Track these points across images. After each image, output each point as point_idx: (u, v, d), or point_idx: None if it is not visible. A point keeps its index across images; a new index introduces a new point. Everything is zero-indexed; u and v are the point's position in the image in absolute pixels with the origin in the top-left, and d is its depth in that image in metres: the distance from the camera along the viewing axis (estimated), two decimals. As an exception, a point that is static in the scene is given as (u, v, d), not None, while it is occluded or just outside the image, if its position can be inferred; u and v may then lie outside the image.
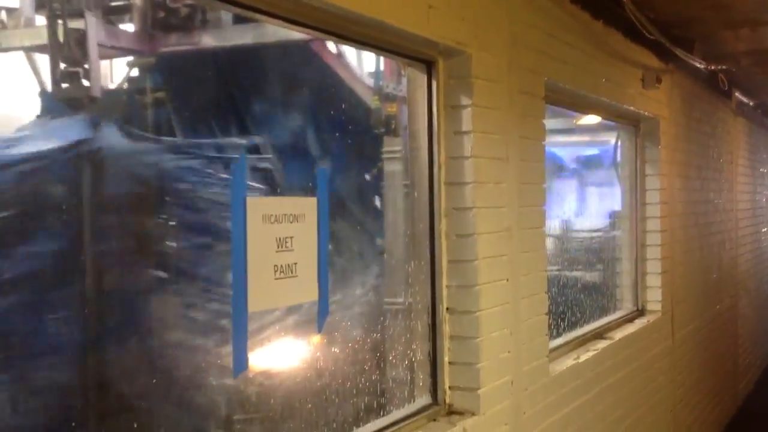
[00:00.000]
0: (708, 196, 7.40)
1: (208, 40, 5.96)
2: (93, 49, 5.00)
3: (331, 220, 2.58)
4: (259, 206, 2.23)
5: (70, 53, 4.95)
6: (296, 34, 4.84)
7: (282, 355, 4.75)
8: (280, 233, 2.33)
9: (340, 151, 5.87)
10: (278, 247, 2.33)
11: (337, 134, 5.88)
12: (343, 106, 5.81)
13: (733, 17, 5.38)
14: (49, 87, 5.27)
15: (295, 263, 2.39)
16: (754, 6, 5.06)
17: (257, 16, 2.50)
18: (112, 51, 5.94)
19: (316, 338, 4.97)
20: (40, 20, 6.05)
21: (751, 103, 8.72)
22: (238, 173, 2.17)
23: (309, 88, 5.99)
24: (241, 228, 2.17)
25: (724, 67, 6.11)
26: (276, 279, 2.32)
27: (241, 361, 2.16)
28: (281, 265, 2.34)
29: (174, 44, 6.00)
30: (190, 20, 5.90)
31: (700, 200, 7.09)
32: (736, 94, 7.97)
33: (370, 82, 5.73)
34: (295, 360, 4.79)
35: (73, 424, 4.64)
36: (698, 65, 5.63)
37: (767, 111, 9.99)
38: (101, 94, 5.25)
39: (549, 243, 4.32)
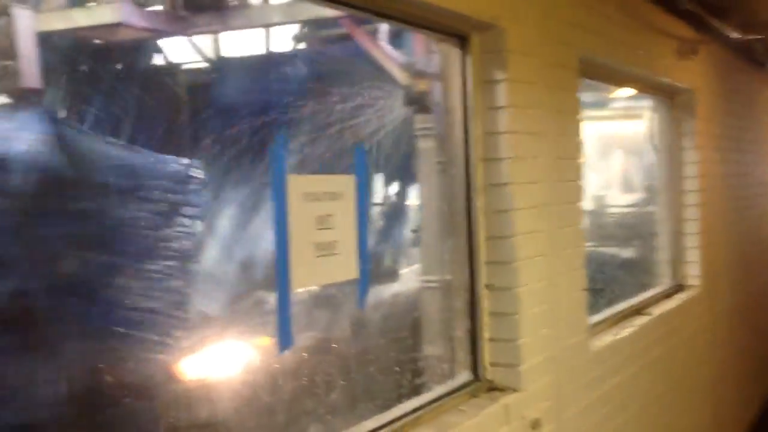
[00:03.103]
0: (744, 168, 7.30)
1: (238, 21, 5.97)
2: (25, 42, 4.99)
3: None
4: (299, 184, 2.23)
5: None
6: (328, 12, 4.83)
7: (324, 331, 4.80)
8: (320, 211, 2.34)
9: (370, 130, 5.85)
10: (318, 225, 2.33)
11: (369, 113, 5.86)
12: (374, 83, 5.79)
13: (769, -15, 5.28)
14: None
15: (336, 241, 2.40)
16: (792, -28, 4.96)
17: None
18: (142, 32, 5.97)
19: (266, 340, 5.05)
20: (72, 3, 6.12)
21: (788, 74, 8.54)
22: (278, 151, 2.17)
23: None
24: (282, 206, 2.17)
25: (760, 36, 5.99)
26: (317, 257, 2.33)
27: (286, 338, 2.17)
28: (322, 243, 2.34)
29: (204, 25, 6.02)
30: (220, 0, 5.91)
31: (737, 173, 6.98)
32: (772, 64, 7.82)
33: (401, 58, 5.69)
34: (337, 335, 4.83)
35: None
36: (734, 35, 5.52)
37: (804, 81, 9.77)
38: (40, 86, 5.17)
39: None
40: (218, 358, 5.06)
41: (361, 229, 2.51)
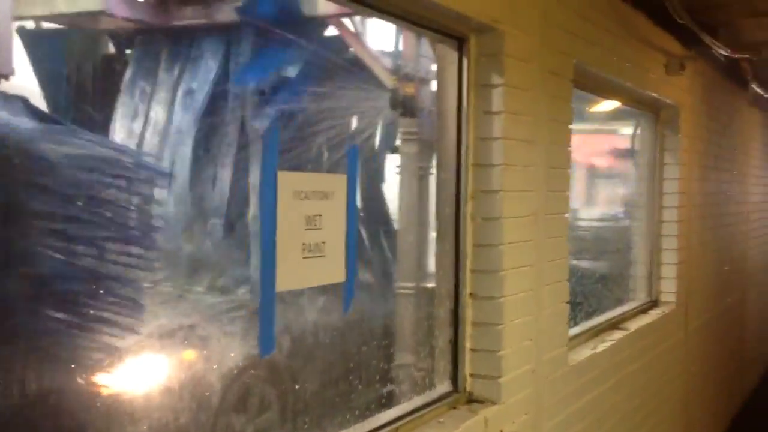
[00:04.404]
0: (722, 187, 7.30)
1: (224, 15, 5.84)
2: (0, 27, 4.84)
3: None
4: (290, 181, 2.13)
5: None
6: (321, 8, 4.71)
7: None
8: (310, 210, 2.24)
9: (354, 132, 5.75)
10: (307, 224, 2.23)
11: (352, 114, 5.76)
12: (360, 85, 5.69)
13: (757, 5, 5.26)
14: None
15: (324, 242, 2.30)
16: (782, -7, 4.95)
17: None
18: (125, 23, 5.82)
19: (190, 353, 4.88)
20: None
21: (767, 95, 8.58)
22: (270, 143, 2.07)
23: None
24: (271, 203, 2.07)
25: (747, 55, 5.98)
26: (304, 258, 2.23)
27: (268, 342, 2.07)
28: (310, 244, 2.24)
29: (188, 17, 5.88)
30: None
31: (715, 191, 6.99)
32: (753, 85, 7.84)
33: (388, 61, 5.61)
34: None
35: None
36: (723, 53, 5.50)
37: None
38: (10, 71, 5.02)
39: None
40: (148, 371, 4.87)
41: (350, 231, 2.42)
